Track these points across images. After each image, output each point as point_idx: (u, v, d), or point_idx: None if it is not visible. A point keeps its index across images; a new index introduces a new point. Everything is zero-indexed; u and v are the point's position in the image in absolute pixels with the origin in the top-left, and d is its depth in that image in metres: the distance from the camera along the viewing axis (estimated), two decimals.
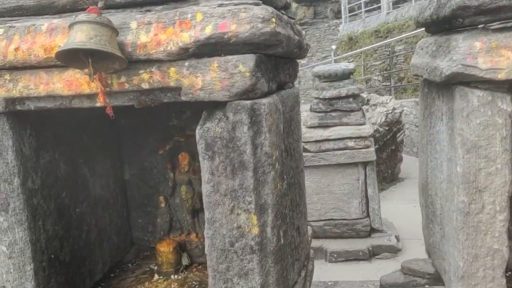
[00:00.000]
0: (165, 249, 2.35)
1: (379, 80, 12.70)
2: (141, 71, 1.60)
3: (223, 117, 1.59)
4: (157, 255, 2.38)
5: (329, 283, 4.17)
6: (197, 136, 1.65)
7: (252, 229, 1.64)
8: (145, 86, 1.61)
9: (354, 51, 13.80)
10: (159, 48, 1.55)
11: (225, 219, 1.66)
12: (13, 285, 1.86)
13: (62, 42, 1.58)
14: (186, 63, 1.56)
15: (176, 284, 2.28)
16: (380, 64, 12.79)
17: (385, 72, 12.36)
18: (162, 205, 2.52)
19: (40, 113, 1.86)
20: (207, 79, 1.55)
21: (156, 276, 2.38)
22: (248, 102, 1.56)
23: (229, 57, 1.54)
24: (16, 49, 1.64)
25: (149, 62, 1.58)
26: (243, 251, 1.66)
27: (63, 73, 1.65)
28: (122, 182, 2.69)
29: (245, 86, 1.53)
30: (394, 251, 4.97)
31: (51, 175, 2.00)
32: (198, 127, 1.65)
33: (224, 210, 1.65)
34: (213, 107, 1.62)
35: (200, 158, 1.67)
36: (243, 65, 1.52)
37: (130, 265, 2.62)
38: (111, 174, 2.55)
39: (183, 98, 1.61)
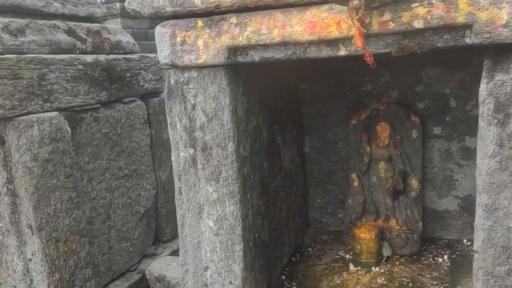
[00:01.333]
0: (365, 235, 1.98)
1: None
2: (414, 4, 1.20)
3: None
4: (355, 242, 2.02)
5: None
6: (483, 94, 1.22)
7: None
8: (418, 24, 1.21)
9: None
10: None
11: None
12: (217, 266, 1.61)
13: None
14: None
15: (382, 278, 1.90)
16: None
17: None
18: (355, 184, 2.15)
19: (249, 69, 1.55)
20: None
21: (351, 266, 2.02)
22: None
23: None
24: None
25: None
26: None
27: (304, 12, 1.30)
28: (302, 156, 2.37)
29: None
30: None
31: (257, 142, 1.71)
32: (484, 81, 1.22)
33: None
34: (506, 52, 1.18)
35: (483, 124, 1.23)
36: None
37: (310, 249, 2.30)
38: (295, 145, 2.23)
39: (472, 39, 1.18)
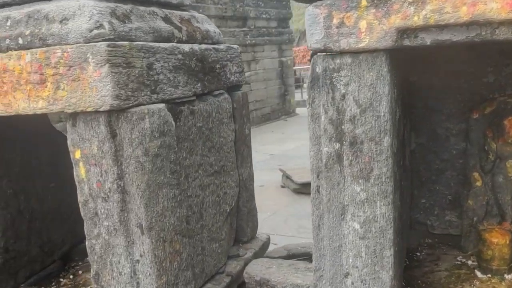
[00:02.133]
0: (499, 240, 1.81)
1: None
2: None
3: None
4: (485, 247, 1.85)
5: None
6: None
7: None
8: None
9: None
10: None
11: None
12: (361, 272, 1.45)
13: None
14: None
15: None
16: None
17: None
18: (478, 184, 1.98)
19: (401, 55, 1.40)
20: None
21: (479, 274, 1.85)
22: None
23: None
24: None
25: None
26: None
27: None
28: (409, 153, 2.20)
29: None
30: None
31: (398, 137, 1.55)
32: None
33: None
34: None
35: None
36: None
37: (418, 253, 2.14)
38: (406, 141, 2.06)
39: None
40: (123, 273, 1.80)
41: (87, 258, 2.81)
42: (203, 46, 2.28)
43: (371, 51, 1.29)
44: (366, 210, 1.41)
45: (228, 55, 2.50)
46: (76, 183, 1.81)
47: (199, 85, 2.17)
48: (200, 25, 2.38)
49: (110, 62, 1.61)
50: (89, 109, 1.65)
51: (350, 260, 1.46)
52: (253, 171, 2.84)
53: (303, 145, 9.15)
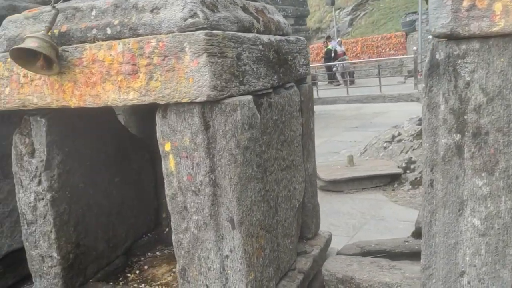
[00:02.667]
0: None
1: None
2: None
3: None
4: None
5: None
6: None
7: None
8: None
9: None
10: None
11: None
12: (480, 271, 1.38)
13: None
14: None
15: None
16: None
17: None
18: None
19: None
20: None
21: None
22: None
23: None
24: None
25: None
26: None
27: None
28: None
29: None
30: None
31: None
32: None
33: None
34: None
35: None
36: None
37: None
38: None
39: None
40: (212, 269, 1.75)
41: (149, 253, 2.78)
42: (277, 37, 2.21)
43: (504, 36, 1.21)
44: (488, 206, 1.33)
45: (298, 47, 2.43)
46: (164, 176, 1.76)
47: (275, 77, 2.11)
48: (272, 16, 2.32)
49: (207, 52, 1.55)
50: (184, 100, 1.60)
51: (467, 258, 1.38)
52: (316, 166, 2.77)
53: (324, 143, 9.08)
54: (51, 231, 2.10)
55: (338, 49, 18.80)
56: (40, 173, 2.05)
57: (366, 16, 28.09)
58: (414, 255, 2.05)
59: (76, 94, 1.76)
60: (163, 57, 1.60)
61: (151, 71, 1.63)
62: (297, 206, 2.45)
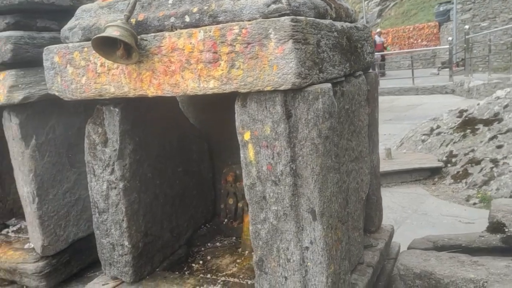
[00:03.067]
0: None
1: None
2: None
3: None
4: None
5: None
6: None
7: None
8: None
9: None
10: None
11: None
12: None
13: None
14: None
15: None
16: None
17: None
18: None
19: None
20: None
21: None
22: None
23: None
24: None
25: None
26: None
27: None
28: None
29: None
30: None
31: None
32: None
33: None
34: None
35: None
36: None
37: None
38: None
39: None
40: (291, 260, 1.72)
41: (208, 244, 2.78)
42: (348, 24, 2.14)
43: None
44: None
45: (365, 34, 2.35)
46: (243, 165, 1.74)
47: (347, 65, 2.04)
48: (341, 3, 2.25)
49: (293, 38, 1.51)
50: (267, 88, 1.56)
51: None
52: (379, 158, 2.70)
53: None
54: (123, 220, 2.12)
55: (377, 39, 18.43)
56: (113, 162, 2.06)
57: (396, 7, 27.42)
58: (493, 251, 1.95)
59: (154, 83, 1.75)
60: (246, 44, 1.56)
61: (233, 59, 1.59)
62: (364, 198, 2.39)
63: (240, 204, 2.81)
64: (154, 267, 2.35)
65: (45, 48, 1.98)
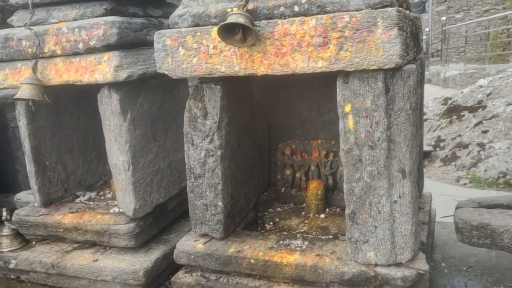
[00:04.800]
0: None
1: None
2: None
3: None
4: None
5: None
6: None
7: None
8: None
9: None
10: None
11: None
12: None
13: None
14: None
15: None
16: None
17: None
18: None
19: None
20: None
21: None
22: None
23: None
24: None
25: None
26: None
27: None
28: None
29: None
30: None
31: None
32: None
33: None
34: None
35: None
36: None
37: None
38: None
39: None
40: (382, 212, 2.02)
41: (270, 209, 3.07)
42: (411, 13, 2.42)
43: None
44: None
45: (420, 23, 2.64)
46: (341, 133, 2.02)
47: (415, 50, 2.32)
48: None
49: (397, 26, 1.79)
50: (373, 67, 1.84)
51: None
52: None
53: None
54: (218, 183, 2.38)
55: None
56: (213, 133, 2.32)
57: None
58: None
59: (265, 63, 2.01)
60: (355, 31, 1.83)
61: (341, 42, 1.86)
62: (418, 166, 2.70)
63: (298, 175, 3.09)
64: (235, 226, 2.63)
65: (157, 32, 2.21)
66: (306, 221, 2.77)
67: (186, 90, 3.21)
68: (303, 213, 2.90)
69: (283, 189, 3.16)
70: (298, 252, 2.28)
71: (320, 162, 3.02)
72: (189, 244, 2.49)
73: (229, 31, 1.96)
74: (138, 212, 2.69)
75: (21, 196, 3.57)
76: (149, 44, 2.70)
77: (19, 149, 5.57)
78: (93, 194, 3.36)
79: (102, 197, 3.29)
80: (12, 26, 2.79)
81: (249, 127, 2.80)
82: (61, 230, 2.89)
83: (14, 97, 2.48)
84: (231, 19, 1.89)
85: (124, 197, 2.69)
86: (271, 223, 2.81)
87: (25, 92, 2.44)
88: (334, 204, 2.94)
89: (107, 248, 2.88)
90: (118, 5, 2.58)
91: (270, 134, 3.21)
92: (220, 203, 2.41)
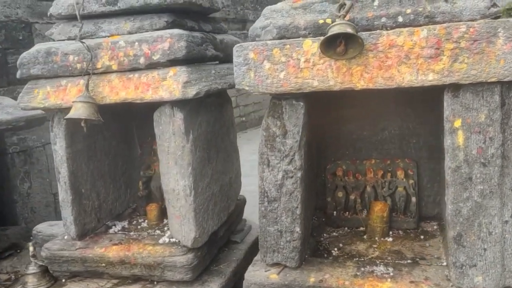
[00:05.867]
0: None
1: None
2: None
3: None
4: None
5: None
6: None
7: None
8: None
9: None
10: None
11: None
12: None
13: None
14: None
15: None
16: None
17: None
18: None
19: None
20: None
21: None
22: None
23: None
24: None
25: None
26: None
27: None
28: None
29: None
30: None
31: None
32: None
33: None
34: None
35: None
36: None
37: None
38: None
39: None
40: (493, 233, 1.87)
41: (324, 234, 2.85)
42: None
43: None
44: None
45: None
46: (448, 150, 1.87)
47: None
48: None
49: None
50: (492, 80, 1.72)
51: None
52: None
53: None
54: (297, 207, 2.17)
55: None
56: (294, 153, 2.12)
57: None
58: None
59: (365, 77, 1.85)
60: (472, 41, 1.71)
61: (456, 54, 1.74)
62: None
63: (352, 196, 2.91)
64: (305, 253, 2.41)
65: (237, 45, 2.02)
66: (374, 245, 2.58)
67: (231, 109, 3.00)
68: (365, 236, 2.71)
69: (335, 212, 2.97)
70: (389, 280, 2.09)
71: (376, 183, 2.86)
72: (260, 275, 2.24)
73: (328, 43, 1.80)
74: (197, 242, 2.43)
75: (42, 228, 3.20)
76: (207, 60, 2.51)
77: (18, 177, 5.11)
78: (125, 224, 3.05)
79: (138, 227, 2.98)
80: (45, 40, 2.51)
81: (309, 146, 2.62)
82: (103, 264, 2.56)
83: (66, 117, 2.19)
84: (339, 29, 1.73)
85: (182, 226, 2.42)
86: (335, 248, 2.60)
87: (79, 111, 2.16)
88: (394, 227, 2.77)
89: (155, 283, 2.57)
90: (178, 18, 2.37)
91: (320, 159, 3.04)
92: (297, 229, 2.19)
